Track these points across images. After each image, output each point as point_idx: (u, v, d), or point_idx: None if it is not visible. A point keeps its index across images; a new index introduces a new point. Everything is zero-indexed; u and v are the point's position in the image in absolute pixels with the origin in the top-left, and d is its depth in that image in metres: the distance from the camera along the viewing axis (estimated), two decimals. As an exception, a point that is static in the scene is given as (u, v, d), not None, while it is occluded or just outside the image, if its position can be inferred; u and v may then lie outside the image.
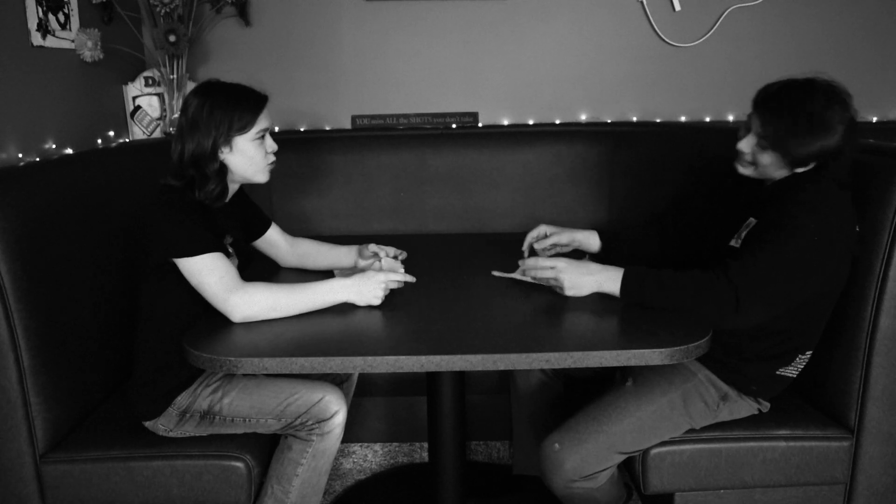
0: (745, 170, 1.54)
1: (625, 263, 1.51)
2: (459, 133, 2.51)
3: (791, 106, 1.44)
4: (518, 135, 2.49)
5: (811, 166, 1.48)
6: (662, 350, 1.26)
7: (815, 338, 1.58)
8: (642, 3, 2.56)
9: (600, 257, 1.74)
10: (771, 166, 1.49)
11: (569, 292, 1.49)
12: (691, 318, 1.40)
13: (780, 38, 2.59)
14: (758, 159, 1.50)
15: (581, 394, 1.74)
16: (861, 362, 1.55)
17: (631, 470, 1.62)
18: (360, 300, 1.48)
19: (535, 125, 2.62)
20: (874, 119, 2.65)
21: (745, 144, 1.51)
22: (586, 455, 1.51)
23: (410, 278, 1.56)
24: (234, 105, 1.51)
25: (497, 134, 2.50)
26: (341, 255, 1.83)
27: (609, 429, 1.52)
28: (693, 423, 1.57)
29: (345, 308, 1.52)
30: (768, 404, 1.62)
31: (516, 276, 1.61)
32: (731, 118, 2.64)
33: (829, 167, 1.47)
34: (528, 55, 2.60)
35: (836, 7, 2.58)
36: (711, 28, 2.58)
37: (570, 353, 1.25)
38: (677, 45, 2.58)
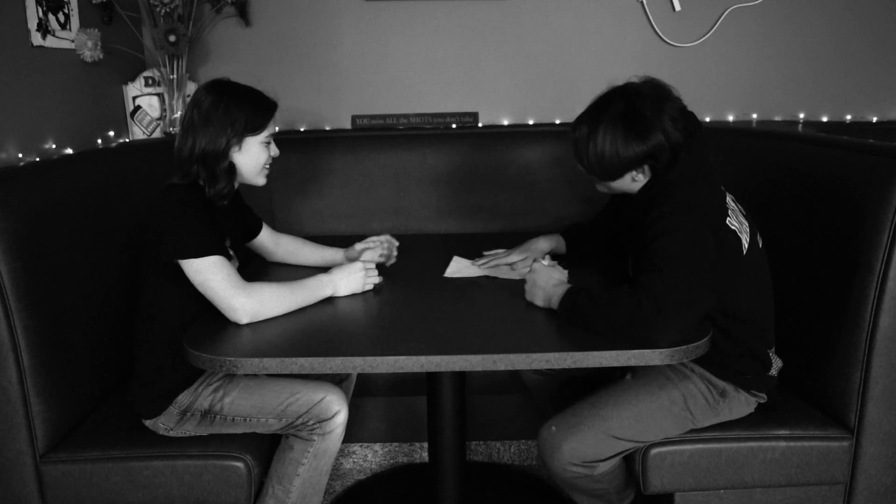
0: (602, 188, 1.59)
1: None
2: (459, 133, 2.51)
3: (580, 148, 1.50)
4: (518, 135, 2.49)
5: (643, 169, 1.48)
6: (662, 350, 1.27)
7: (768, 324, 1.60)
8: (642, 3, 2.56)
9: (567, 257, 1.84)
10: (615, 187, 1.54)
11: (527, 295, 1.52)
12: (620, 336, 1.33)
13: (780, 38, 2.60)
14: (606, 189, 1.57)
15: (580, 388, 1.74)
16: (861, 362, 1.55)
17: (631, 470, 1.62)
18: (342, 290, 1.56)
19: (535, 125, 2.62)
20: (874, 119, 2.65)
21: (600, 186, 1.57)
22: (583, 438, 1.51)
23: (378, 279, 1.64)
24: (250, 105, 1.55)
25: (497, 134, 2.50)
26: (325, 255, 1.87)
27: (607, 413, 1.53)
28: (695, 421, 1.57)
29: (345, 308, 1.52)
30: (765, 396, 1.62)
31: (475, 268, 1.59)
32: (730, 118, 2.64)
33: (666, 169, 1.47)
34: (528, 55, 2.61)
35: (836, 7, 2.58)
36: (711, 28, 2.58)
37: (570, 353, 1.26)
38: (677, 45, 2.58)
